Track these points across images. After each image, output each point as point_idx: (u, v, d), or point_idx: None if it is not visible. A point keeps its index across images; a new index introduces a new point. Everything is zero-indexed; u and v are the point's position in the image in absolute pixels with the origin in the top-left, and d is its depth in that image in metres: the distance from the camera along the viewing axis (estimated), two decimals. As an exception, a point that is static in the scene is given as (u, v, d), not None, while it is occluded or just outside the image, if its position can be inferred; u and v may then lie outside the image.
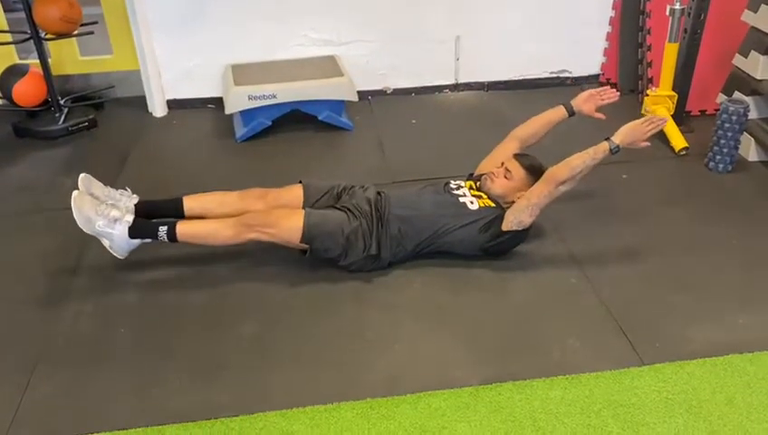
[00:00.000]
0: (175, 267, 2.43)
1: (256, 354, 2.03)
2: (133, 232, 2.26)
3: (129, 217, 2.27)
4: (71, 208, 2.22)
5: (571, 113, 2.58)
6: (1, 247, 2.57)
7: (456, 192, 2.42)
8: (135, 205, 2.37)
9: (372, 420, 1.80)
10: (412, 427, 1.78)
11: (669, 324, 2.11)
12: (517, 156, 2.47)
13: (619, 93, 2.57)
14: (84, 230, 2.24)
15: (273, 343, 2.08)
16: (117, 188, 2.43)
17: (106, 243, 2.29)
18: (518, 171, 2.41)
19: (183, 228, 2.27)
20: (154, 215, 2.37)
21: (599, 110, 2.56)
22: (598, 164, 2.23)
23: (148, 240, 2.29)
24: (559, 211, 2.60)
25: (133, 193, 2.44)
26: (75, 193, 2.25)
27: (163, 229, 2.25)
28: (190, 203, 2.42)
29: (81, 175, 2.37)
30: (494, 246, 2.36)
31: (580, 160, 2.22)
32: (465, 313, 2.19)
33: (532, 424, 1.78)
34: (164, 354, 2.04)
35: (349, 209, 2.34)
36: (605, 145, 2.22)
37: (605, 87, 2.60)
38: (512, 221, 2.31)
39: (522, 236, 2.37)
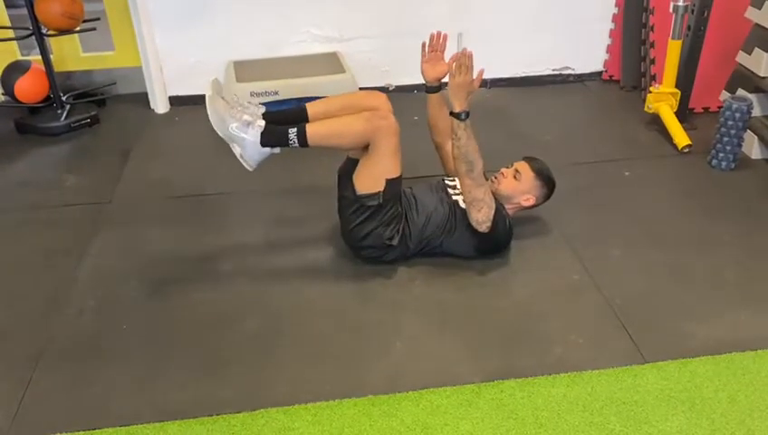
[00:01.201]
0: (178, 264, 2.43)
1: (258, 351, 2.03)
2: (265, 138, 2.17)
3: (261, 123, 2.18)
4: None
5: (435, 89, 2.50)
6: (3, 243, 2.57)
7: (450, 190, 2.41)
8: (262, 114, 2.27)
9: (374, 417, 1.80)
10: (414, 424, 1.78)
11: (672, 321, 2.11)
12: (528, 159, 2.46)
13: (441, 32, 2.44)
14: (218, 132, 2.18)
15: (274, 339, 2.08)
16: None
17: (237, 150, 2.21)
18: (528, 174, 2.40)
19: (313, 128, 2.19)
20: (282, 124, 2.25)
21: (442, 56, 2.45)
22: (466, 136, 2.15)
23: (278, 150, 2.22)
24: (561, 207, 2.60)
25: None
26: (209, 94, 2.19)
27: (293, 132, 2.16)
28: (314, 109, 2.34)
29: (212, 78, 2.29)
30: (485, 244, 2.34)
31: (456, 148, 2.18)
32: (467, 309, 2.18)
33: (535, 421, 1.78)
34: (166, 350, 2.04)
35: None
36: (454, 122, 2.16)
37: (423, 42, 2.47)
38: (474, 224, 2.27)
39: (501, 231, 2.31)
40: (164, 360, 2.00)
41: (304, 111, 2.34)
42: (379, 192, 2.22)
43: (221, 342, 2.07)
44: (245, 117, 2.18)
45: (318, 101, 2.38)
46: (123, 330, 2.13)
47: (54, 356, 2.03)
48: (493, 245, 2.36)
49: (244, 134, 2.17)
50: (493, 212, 2.25)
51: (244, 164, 2.22)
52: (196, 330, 2.12)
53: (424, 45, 2.45)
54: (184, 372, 1.96)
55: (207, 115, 2.16)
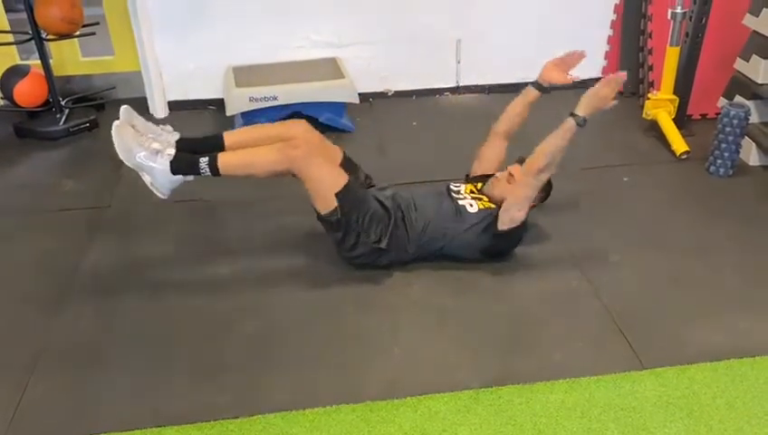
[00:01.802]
0: (175, 268, 2.43)
1: (256, 356, 2.03)
2: (175, 166, 2.18)
3: (171, 151, 2.20)
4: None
5: (543, 89, 2.50)
6: (1, 248, 2.57)
7: (456, 195, 2.42)
8: (176, 142, 2.29)
9: (372, 423, 1.79)
10: (412, 430, 1.77)
11: (670, 328, 2.11)
12: (521, 161, 2.46)
13: (586, 53, 2.42)
14: (125, 162, 2.18)
15: (272, 345, 2.07)
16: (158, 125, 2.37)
17: (147, 179, 2.22)
18: (521, 175, 2.41)
19: (225, 158, 2.20)
20: (195, 152, 2.26)
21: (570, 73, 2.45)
22: (570, 141, 2.17)
23: (191, 177, 2.22)
24: (560, 214, 2.60)
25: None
26: (116, 123, 2.18)
27: (204, 161, 2.17)
28: (230, 139, 2.35)
29: (123, 106, 2.28)
30: (493, 247, 2.35)
31: (552, 144, 2.19)
32: (466, 315, 2.18)
33: (533, 427, 1.78)
34: (163, 356, 2.04)
35: (375, 197, 2.34)
36: (570, 121, 2.17)
37: (572, 51, 2.44)
38: (505, 219, 2.30)
39: (518, 234, 2.35)
40: (162, 365, 2.00)
41: (220, 139, 2.35)
42: (336, 208, 2.22)
43: (219, 347, 2.07)
44: (154, 145, 2.19)
45: (236, 130, 2.39)
46: (121, 336, 2.12)
47: (52, 361, 2.02)
48: (502, 247, 2.38)
49: (152, 163, 2.18)
50: (526, 216, 2.31)
51: (156, 192, 2.24)
52: (193, 335, 2.12)
53: (566, 54, 2.45)
54: (182, 378, 1.95)
55: (115, 148, 2.15)
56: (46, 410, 1.86)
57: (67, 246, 2.53)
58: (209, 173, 2.19)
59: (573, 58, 2.43)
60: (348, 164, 2.43)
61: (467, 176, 2.60)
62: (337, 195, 2.21)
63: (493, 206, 2.38)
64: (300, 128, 2.38)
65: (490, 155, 2.55)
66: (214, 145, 2.32)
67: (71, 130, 3.40)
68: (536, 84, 2.51)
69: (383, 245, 2.28)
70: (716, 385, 1.90)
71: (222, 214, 2.76)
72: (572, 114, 2.18)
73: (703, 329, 2.10)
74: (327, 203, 2.23)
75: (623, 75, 2.17)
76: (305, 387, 1.91)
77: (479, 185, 2.49)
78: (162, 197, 2.25)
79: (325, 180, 2.22)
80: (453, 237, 2.34)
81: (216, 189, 2.91)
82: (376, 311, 2.21)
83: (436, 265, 2.38)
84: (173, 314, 2.20)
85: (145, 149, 2.17)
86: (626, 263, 2.42)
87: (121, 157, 2.17)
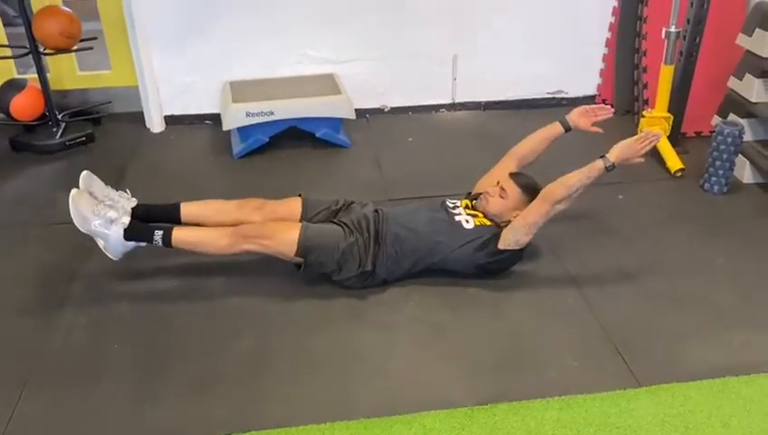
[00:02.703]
0: (170, 282, 2.42)
1: (251, 371, 2.02)
2: (129, 234, 2.26)
3: (126, 219, 2.28)
4: (67, 222, 2.21)
5: (568, 129, 2.59)
6: (-5, 261, 2.56)
7: (452, 211, 2.42)
8: (132, 208, 2.37)
9: (366, 440, 1.78)
10: (407, 447, 1.76)
11: (666, 345, 2.11)
12: (512, 175, 2.47)
13: (613, 111, 2.58)
14: (80, 229, 2.24)
15: (267, 360, 2.06)
16: (117, 190, 2.44)
17: (101, 243, 2.29)
18: (513, 191, 2.41)
19: (179, 234, 2.28)
20: (151, 219, 2.37)
21: (595, 124, 2.57)
22: (593, 182, 2.24)
23: (143, 244, 2.29)
24: (556, 231, 2.60)
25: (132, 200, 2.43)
26: (74, 191, 2.25)
27: (159, 233, 2.26)
28: (187, 210, 2.42)
29: (83, 172, 2.37)
30: (491, 264, 2.35)
31: (576, 179, 2.23)
32: (461, 332, 2.18)
33: (528, 445, 1.77)
34: (158, 370, 2.02)
35: (346, 225, 2.34)
36: (600, 163, 2.23)
37: (601, 105, 2.60)
38: (509, 240, 2.31)
39: (518, 255, 2.37)
40: (156, 379, 1.99)
41: (177, 209, 2.42)
42: (300, 257, 2.26)
43: (213, 362, 2.06)
44: (110, 214, 2.27)
45: (194, 202, 2.46)
46: (114, 348, 2.11)
47: (44, 375, 2.01)
48: (500, 266, 2.38)
49: (106, 230, 2.26)
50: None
51: (108, 255, 2.30)
52: (187, 349, 2.11)
53: (596, 106, 2.60)
54: (176, 392, 1.94)
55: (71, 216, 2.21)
56: (38, 425, 1.84)
57: (62, 259, 2.52)
58: (161, 245, 2.27)
59: (602, 112, 2.58)
60: (309, 208, 2.46)
61: (469, 193, 2.59)
62: (298, 253, 2.25)
63: (488, 222, 2.38)
64: (256, 213, 2.42)
65: (498, 175, 2.56)
66: (170, 215, 2.41)
67: (67, 143, 3.40)
68: (564, 122, 2.59)
69: (368, 267, 2.29)
70: (712, 403, 1.89)
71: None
72: (603, 156, 2.23)
73: (698, 347, 2.10)
74: (293, 253, 2.27)
75: (659, 135, 2.28)
76: (300, 403, 1.90)
77: (469, 202, 2.49)
78: (114, 259, 2.32)
79: (278, 244, 2.26)
80: (447, 252, 2.34)
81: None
82: (371, 327, 2.20)
83: (432, 281, 2.38)
84: (167, 328, 2.19)
85: (100, 218, 2.25)
86: (621, 280, 2.42)
87: (76, 223, 2.24)
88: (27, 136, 3.43)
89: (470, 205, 2.47)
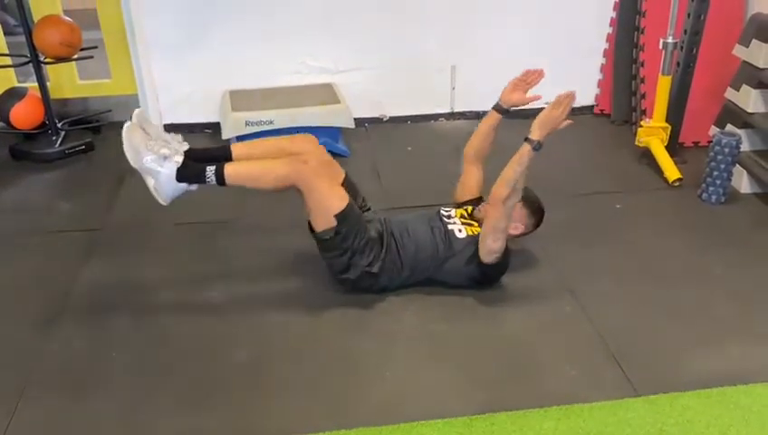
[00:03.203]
0: (168, 292, 2.42)
1: (247, 382, 2.01)
2: (181, 174, 2.16)
3: (179, 158, 2.17)
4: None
5: (504, 111, 2.49)
6: (-6, 269, 2.56)
7: (446, 220, 2.42)
8: (184, 151, 2.26)
9: (364, 450, 1.78)
10: (404, 456, 1.76)
11: (663, 355, 2.11)
12: None
13: (544, 72, 2.43)
14: (132, 163, 2.15)
15: (264, 370, 2.06)
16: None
17: (151, 183, 2.18)
18: None
19: (232, 168, 2.18)
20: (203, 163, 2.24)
21: (532, 92, 2.47)
22: (526, 165, 2.14)
23: (194, 187, 2.21)
24: (554, 240, 2.61)
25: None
26: (127, 124, 2.16)
27: (211, 170, 2.15)
28: (238, 150, 2.34)
29: (137, 110, 2.27)
30: (480, 274, 2.34)
31: (512, 171, 2.16)
32: (459, 341, 2.18)
33: (526, 455, 1.76)
34: (155, 380, 2.02)
35: (369, 222, 2.34)
36: (526, 146, 2.12)
37: (527, 69, 2.46)
38: (483, 251, 2.28)
39: (504, 263, 2.34)
40: (152, 390, 1.98)
41: (228, 150, 2.35)
42: (333, 228, 2.22)
43: (210, 372, 2.05)
44: (163, 150, 2.17)
45: (244, 142, 2.36)
46: (112, 358, 2.10)
47: (41, 385, 2.00)
48: (489, 276, 2.37)
49: (159, 167, 2.15)
50: (505, 245, 2.27)
51: (157, 197, 2.21)
52: (185, 360, 2.10)
53: (524, 72, 2.46)
54: (172, 403, 1.93)
55: (123, 150, 2.14)
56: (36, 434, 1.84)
57: (61, 267, 2.52)
58: (215, 182, 2.17)
59: (532, 77, 2.43)
60: (349, 186, 2.43)
61: (458, 203, 2.59)
62: (336, 216, 2.21)
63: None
64: (309, 144, 2.39)
65: (469, 181, 2.56)
66: (221, 156, 2.32)
67: (66, 152, 3.41)
68: (498, 107, 2.50)
69: (375, 269, 2.28)
70: (710, 413, 1.89)
71: (215, 237, 2.76)
72: (527, 139, 2.14)
73: (696, 356, 2.10)
74: (325, 222, 2.23)
75: (573, 94, 2.16)
76: (297, 412, 1.90)
77: (470, 209, 2.49)
78: (163, 203, 2.23)
79: (327, 200, 2.22)
80: (441, 263, 2.34)
81: (208, 213, 2.91)
82: (369, 336, 2.20)
83: (430, 291, 2.38)
84: (164, 338, 2.19)
85: (153, 153, 2.15)
86: (619, 289, 2.42)
87: (129, 158, 2.14)
88: (27, 144, 3.44)
89: (466, 214, 2.47)
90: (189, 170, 2.17)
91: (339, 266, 2.30)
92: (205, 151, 2.35)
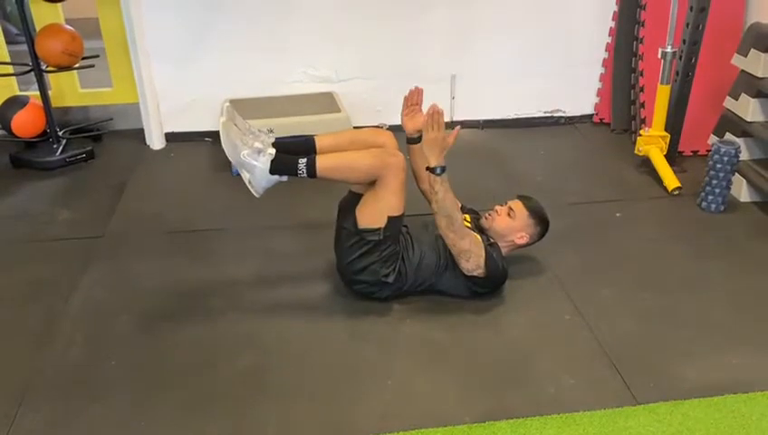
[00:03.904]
0: (168, 299, 2.42)
1: (247, 389, 2.01)
2: (274, 166, 2.19)
3: (272, 151, 2.20)
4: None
5: (414, 140, 2.49)
6: (-6, 277, 2.56)
7: None
8: (272, 143, 2.28)
9: (364, 458, 1.78)
10: (404, 465, 1.76)
11: (664, 363, 2.11)
12: (522, 198, 2.48)
13: (420, 88, 2.47)
14: (229, 157, 2.18)
15: (264, 377, 2.06)
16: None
17: (246, 176, 2.21)
18: (521, 212, 2.42)
19: (323, 160, 2.21)
20: (289, 154, 2.27)
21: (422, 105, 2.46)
22: (444, 190, 2.17)
23: (285, 178, 2.23)
24: (553, 248, 2.61)
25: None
26: (223, 120, 2.20)
27: (303, 162, 2.18)
28: (322, 142, 2.36)
29: (226, 105, 2.30)
30: (475, 285, 2.34)
31: (434, 203, 2.21)
32: (459, 349, 2.18)
33: (526, 463, 1.76)
34: (155, 387, 2.02)
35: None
36: (431, 176, 2.18)
37: (405, 97, 2.51)
38: (465, 271, 2.28)
39: (501, 275, 2.34)
40: (152, 397, 1.98)
41: (312, 142, 2.37)
42: (380, 228, 2.23)
43: (210, 379, 2.05)
44: (257, 144, 2.20)
45: (326, 133, 2.40)
46: (111, 365, 2.10)
47: (40, 392, 2.00)
48: (485, 286, 2.36)
49: (255, 161, 2.19)
50: (483, 259, 2.25)
51: (252, 190, 2.24)
52: (185, 366, 2.10)
53: (405, 99, 2.50)
54: (172, 410, 1.93)
55: (222, 144, 2.18)
56: (34, 443, 1.83)
57: (61, 275, 2.52)
58: (306, 175, 2.20)
59: (414, 99, 2.48)
60: None
61: (469, 209, 2.59)
62: (390, 218, 2.22)
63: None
64: (391, 139, 2.41)
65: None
66: (307, 148, 2.34)
67: (67, 160, 3.42)
68: (409, 140, 2.52)
69: (390, 280, 2.28)
70: (710, 421, 1.89)
71: (215, 244, 2.76)
72: (428, 168, 2.18)
73: (696, 364, 2.10)
74: (376, 219, 2.23)
75: (436, 108, 2.18)
76: (297, 420, 1.90)
77: (467, 217, 2.49)
78: (256, 195, 2.25)
79: (392, 199, 2.23)
80: (442, 272, 2.34)
81: (207, 220, 2.92)
82: (369, 344, 2.20)
83: (431, 299, 2.38)
84: (164, 345, 2.19)
85: (248, 148, 2.19)
86: (619, 298, 2.42)
87: (227, 152, 2.18)
88: (28, 152, 3.45)
89: (468, 220, 2.47)
90: (283, 163, 2.20)
91: (357, 266, 2.28)
92: (290, 143, 2.36)
